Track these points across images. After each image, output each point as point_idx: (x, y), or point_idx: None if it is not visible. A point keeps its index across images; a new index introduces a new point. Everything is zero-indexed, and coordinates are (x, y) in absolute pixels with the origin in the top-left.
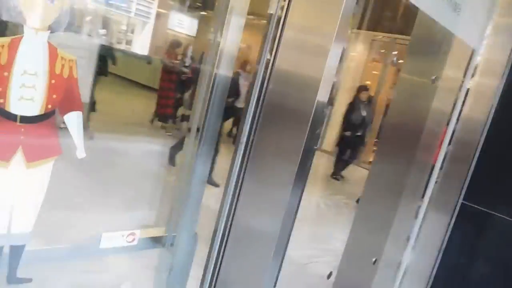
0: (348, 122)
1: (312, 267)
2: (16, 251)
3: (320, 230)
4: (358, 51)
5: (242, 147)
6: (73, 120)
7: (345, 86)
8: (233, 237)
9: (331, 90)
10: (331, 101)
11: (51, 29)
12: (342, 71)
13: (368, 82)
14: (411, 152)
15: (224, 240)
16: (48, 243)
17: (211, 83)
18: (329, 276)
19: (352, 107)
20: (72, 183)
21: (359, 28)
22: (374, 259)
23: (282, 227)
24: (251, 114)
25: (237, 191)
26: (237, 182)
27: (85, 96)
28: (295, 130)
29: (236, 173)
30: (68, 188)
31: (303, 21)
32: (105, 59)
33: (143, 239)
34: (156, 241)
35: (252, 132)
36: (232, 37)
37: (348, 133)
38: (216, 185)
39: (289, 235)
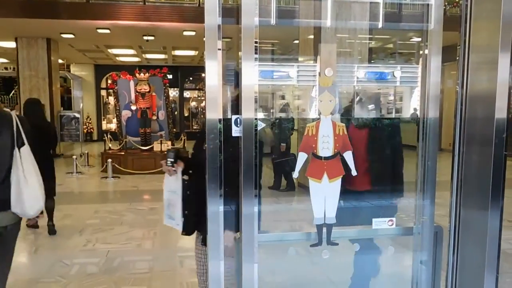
0: None
1: None
2: (329, 227)
3: None
4: None
5: None
6: (348, 155)
7: None
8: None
9: None
10: None
11: (331, 114)
12: None
13: None
14: None
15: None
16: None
17: None
18: None
19: None
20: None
21: None
22: None
23: None
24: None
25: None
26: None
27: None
28: None
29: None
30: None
31: None
32: None
33: (399, 228)
34: (408, 230)
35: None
36: None
37: None
38: None
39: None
